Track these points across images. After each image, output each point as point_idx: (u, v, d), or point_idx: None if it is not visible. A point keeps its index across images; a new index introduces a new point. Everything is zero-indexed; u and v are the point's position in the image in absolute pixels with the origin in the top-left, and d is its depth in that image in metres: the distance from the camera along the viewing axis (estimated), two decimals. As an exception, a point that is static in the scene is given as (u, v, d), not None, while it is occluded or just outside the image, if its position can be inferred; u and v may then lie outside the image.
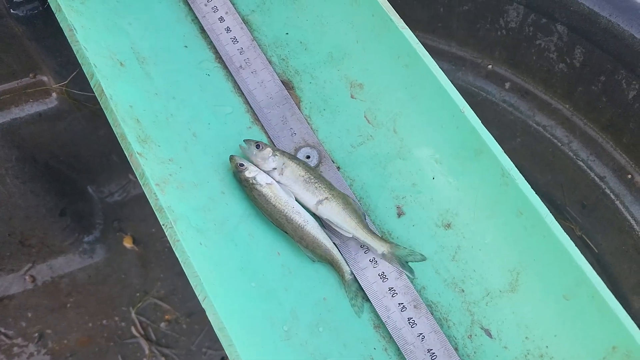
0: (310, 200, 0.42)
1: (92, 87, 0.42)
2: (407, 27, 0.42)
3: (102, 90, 0.41)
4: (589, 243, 0.60)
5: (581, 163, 0.58)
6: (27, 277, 0.75)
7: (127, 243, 0.77)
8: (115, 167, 0.75)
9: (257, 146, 0.43)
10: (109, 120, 0.40)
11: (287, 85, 0.47)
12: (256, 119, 0.47)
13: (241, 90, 0.47)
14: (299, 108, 0.47)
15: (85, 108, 0.66)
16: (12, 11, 0.54)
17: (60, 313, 0.75)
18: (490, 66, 0.62)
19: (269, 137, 0.46)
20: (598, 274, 0.38)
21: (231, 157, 0.43)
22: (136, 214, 0.77)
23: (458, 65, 0.63)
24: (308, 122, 0.46)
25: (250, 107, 0.47)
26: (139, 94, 0.44)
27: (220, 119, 0.46)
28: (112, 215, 0.77)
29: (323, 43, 0.47)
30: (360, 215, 0.42)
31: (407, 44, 0.42)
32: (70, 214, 0.73)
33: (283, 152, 0.43)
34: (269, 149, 0.43)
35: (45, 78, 0.64)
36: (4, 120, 0.64)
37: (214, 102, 0.47)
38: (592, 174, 0.58)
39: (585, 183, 0.59)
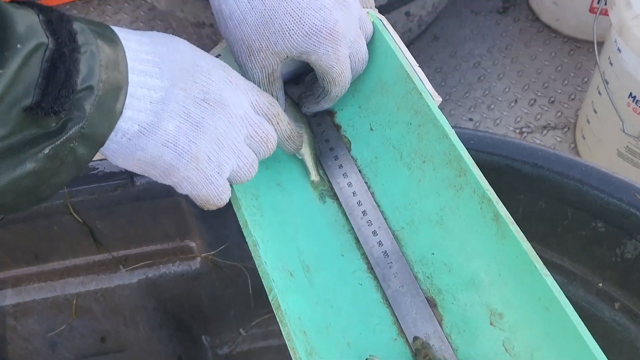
0: None
1: (269, 300, 0.48)
2: (550, 274, 0.48)
3: (279, 305, 0.47)
4: None
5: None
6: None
7: (229, 394, 0.81)
8: (230, 320, 0.81)
9: None
10: (283, 334, 0.46)
11: (431, 302, 0.53)
12: (401, 331, 0.52)
13: (389, 302, 0.53)
14: (441, 326, 0.52)
15: (222, 272, 0.73)
16: (188, 196, 0.63)
17: None
18: (600, 284, 0.66)
19: (411, 350, 0.51)
20: None
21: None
22: (242, 368, 0.82)
23: (570, 279, 0.68)
24: (449, 341, 0.51)
25: (397, 319, 0.52)
26: (305, 304, 0.50)
27: (370, 329, 0.52)
28: (219, 365, 0.82)
29: (466, 268, 0.53)
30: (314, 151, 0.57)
31: (549, 291, 0.47)
32: (185, 362, 0.79)
33: None
34: None
35: (193, 244, 0.72)
36: (152, 275, 0.72)
37: (365, 311, 0.53)
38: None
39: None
